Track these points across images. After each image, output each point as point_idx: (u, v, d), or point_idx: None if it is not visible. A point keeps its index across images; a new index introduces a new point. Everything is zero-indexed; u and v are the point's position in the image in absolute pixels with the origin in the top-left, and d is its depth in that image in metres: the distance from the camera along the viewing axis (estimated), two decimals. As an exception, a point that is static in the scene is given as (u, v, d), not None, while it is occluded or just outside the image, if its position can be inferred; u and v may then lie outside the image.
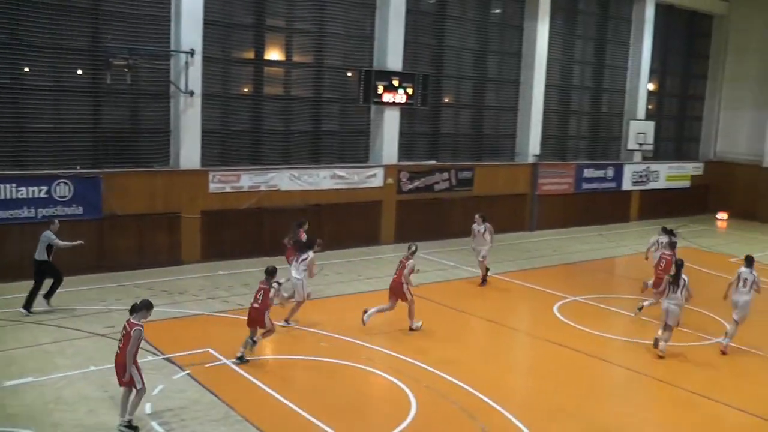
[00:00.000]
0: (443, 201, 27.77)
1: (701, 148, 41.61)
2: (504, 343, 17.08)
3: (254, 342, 14.07)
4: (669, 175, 37.94)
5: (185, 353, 14.21)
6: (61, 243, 16.71)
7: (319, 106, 25.04)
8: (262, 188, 23.12)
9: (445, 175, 27.97)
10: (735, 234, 33.62)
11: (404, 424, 11.76)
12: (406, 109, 26.47)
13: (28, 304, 16.46)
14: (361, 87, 24.97)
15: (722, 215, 37.61)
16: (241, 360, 13.94)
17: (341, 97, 25.54)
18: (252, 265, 21.62)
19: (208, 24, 21.74)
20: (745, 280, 16.48)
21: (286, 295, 16.79)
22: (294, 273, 16.69)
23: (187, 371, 13.40)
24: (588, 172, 33.61)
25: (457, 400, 12.81)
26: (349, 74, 25.55)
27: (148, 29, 20.92)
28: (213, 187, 22.16)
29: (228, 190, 22.42)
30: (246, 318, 14.31)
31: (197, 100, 21.59)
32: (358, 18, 25.48)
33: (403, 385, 13.32)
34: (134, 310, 11.16)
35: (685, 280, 15.93)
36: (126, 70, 19.90)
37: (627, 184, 35.54)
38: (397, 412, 12.22)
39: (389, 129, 26.12)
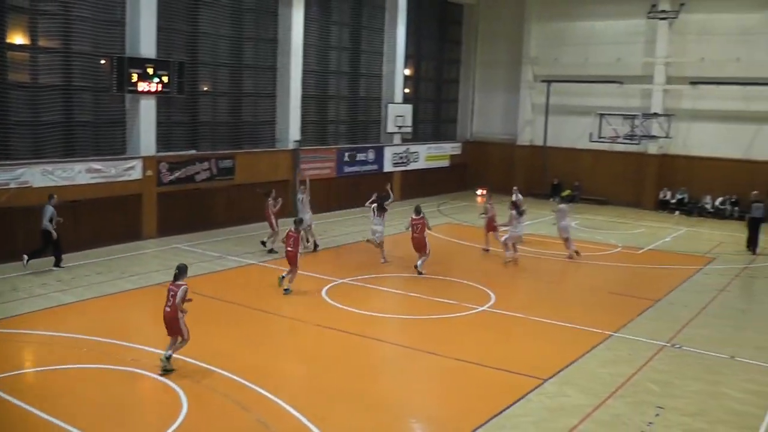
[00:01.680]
0: (205, 191, 27.17)
1: (458, 129, 43.87)
2: (274, 331, 17.02)
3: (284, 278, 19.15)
4: (429, 155, 39.60)
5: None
6: (49, 224, 20.13)
7: (70, 95, 23.59)
8: (12, 186, 21.42)
9: (206, 164, 27.41)
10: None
11: (176, 424, 11.37)
12: (162, 98, 25.63)
13: (58, 263, 20.70)
14: (114, 75, 23.84)
15: (481, 191, 39.56)
16: (287, 292, 18.85)
17: (93, 85, 24.21)
18: (3, 272, 20.12)
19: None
20: (564, 211, 24.45)
21: (377, 241, 22.95)
22: (376, 225, 22.87)
23: (-69, 392, 12.20)
24: (349, 156, 34.14)
25: (229, 393, 12.59)
26: (102, 61, 24.31)
27: None
28: (-45, 186, 20.37)
29: (-27, 189, 20.67)
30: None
31: (-71, 87, 19.72)
32: (107, 1, 24.19)
33: (172, 384, 12.91)
34: (177, 275, 13.55)
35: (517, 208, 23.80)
36: None
37: (388, 166, 36.59)
38: (168, 412, 11.82)
39: (146, 119, 25.18)
